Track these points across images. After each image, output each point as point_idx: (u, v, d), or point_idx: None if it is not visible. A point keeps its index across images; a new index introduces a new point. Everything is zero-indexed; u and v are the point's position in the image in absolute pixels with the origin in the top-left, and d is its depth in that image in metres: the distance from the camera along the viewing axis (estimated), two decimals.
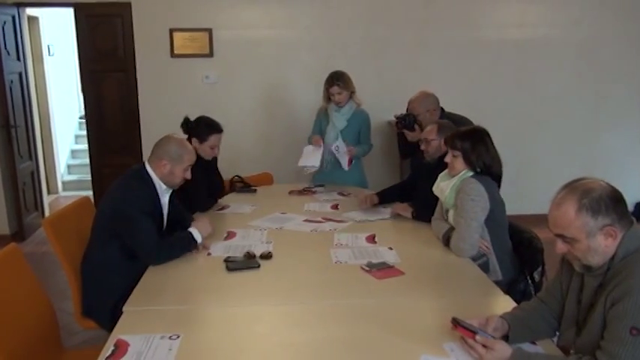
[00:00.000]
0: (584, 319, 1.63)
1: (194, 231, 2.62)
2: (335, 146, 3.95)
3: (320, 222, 3.11)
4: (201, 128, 3.41)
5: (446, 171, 2.73)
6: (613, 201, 1.55)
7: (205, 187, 3.42)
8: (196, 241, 2.61)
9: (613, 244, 1.56)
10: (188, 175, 2.70)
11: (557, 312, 1.79)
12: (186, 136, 3.45)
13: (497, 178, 2.65)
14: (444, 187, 2.68)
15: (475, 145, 2.59)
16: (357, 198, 3.50)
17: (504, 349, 1.60)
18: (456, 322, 1.68)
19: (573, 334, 1.67)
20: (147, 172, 2.63)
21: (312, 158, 3.98)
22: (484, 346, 1.61)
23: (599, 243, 1.56)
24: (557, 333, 1.80)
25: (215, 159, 3.62)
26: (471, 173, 2.59)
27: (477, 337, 1.63)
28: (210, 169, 3.54)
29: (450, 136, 2.71)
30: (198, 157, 3.40)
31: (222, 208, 3.48)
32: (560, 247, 1.63)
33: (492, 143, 2.65)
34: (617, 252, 1.56)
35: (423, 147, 3.18)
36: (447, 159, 2.67)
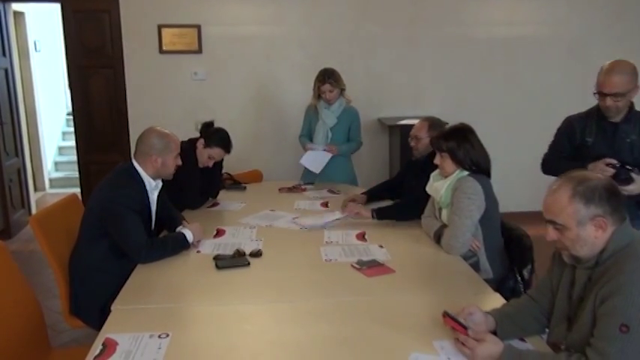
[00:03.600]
0: (575, 314, 1.64)
1: (187, 233, 2.61)
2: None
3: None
4: (215, 137, 3.40)
5: (438, 170, 2.73)
6: (608, 193, 1.56)
7: (198, 186, 3.40)
8: (189, 244, 2.60)
9: (602, 237, 1.57)
10: (179, 161, 2.71)
11: (547, 309, 1.80)
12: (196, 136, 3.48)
13: (487, 174, 2.65)
14: (438, 186, 2.68)
15: (460, 144, 2.59)
16: (345, 195, 3.49)
17: (496, 341, 1.61)
18: (447, 315, 1.68)
19: (564, 330, 1.68)
20: (135, 169, 2.61)
21: (315, 163, 3.99)
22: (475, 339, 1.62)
23: (589, 233, 1.57)
24: (547, 330, 1.81)
25: (221, 160, 3.60)
26: (467, 172, 2.59)
27: (470, 332, 1.63)
28: (211, 170, 3.51)
29: (434, 138, 2.72)
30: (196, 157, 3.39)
31: (212, 206, 3.46)
32: (551, 234, 1.64)
33: (477, 139, 2.66)
34: (607, 246, 1.57)
35: (412, 144, 3.20)
36: (436, 161, 2.67)
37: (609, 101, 2.65)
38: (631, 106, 2.73)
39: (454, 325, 1.67)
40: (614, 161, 2.63)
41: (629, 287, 1.47)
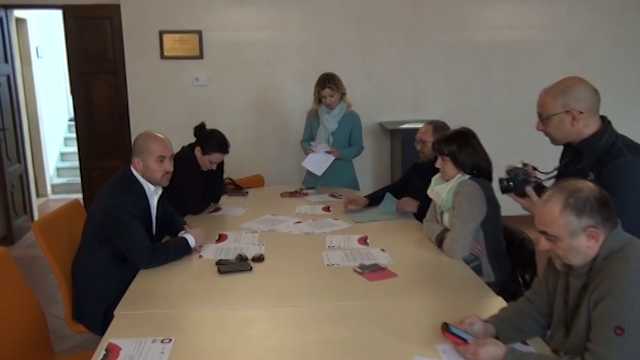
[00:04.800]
0: (572, 320, 1.64)
1: (190, 238, 2.61)
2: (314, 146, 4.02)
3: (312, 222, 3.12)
4: (210, 142, 3.39)
5: (439, 174, 2.73)
6: (599, 203, 1.56)
7: (200, 191, 3.41)
8: (191, 249, 2.60)
9: (594, 246, 1.57)
10: (168, 167, 2.62)
11: (544, 311, 1.80)
12: (194, 140, 3.46)
13: (488, 177, 2.66)
14: (439, 190, 2.68)
15: (462, 147, 2.60)
16: (345, 198, 3.50)
17: (498, 344, 1.61)
18: (447, 328, 1.68)
19: (562, 336, 1.68)
20: (133, 174, 2.61)
21: (317, 166, 3.99)
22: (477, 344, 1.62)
23: (581, 243, 1.57)
24: (548, 332, 1.81)
25: (222, 165, 3.61)
26: (468, 176, 2.59)
27: (469, 340, 1.64)
28: (213, 174, 3.52)
29: (436, 142, 2.73)
30: (197, 162, 3.40)
31: (214, 211, 3.47)
32: (543, 244, 1.64)
33: (479, 143, 2.66)
34: (600, 252, 1.57)
35: (418, 148, 3.21)
36: (438, 164, 2.68)
37: (539, 124, 2.27)
38: (594, 135, 2.13)
39: (453, 338, 1.67)
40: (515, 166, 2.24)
41: (619, 288, 1.47)
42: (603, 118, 2.18)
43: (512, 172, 2.22)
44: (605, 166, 2.02)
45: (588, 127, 2.13)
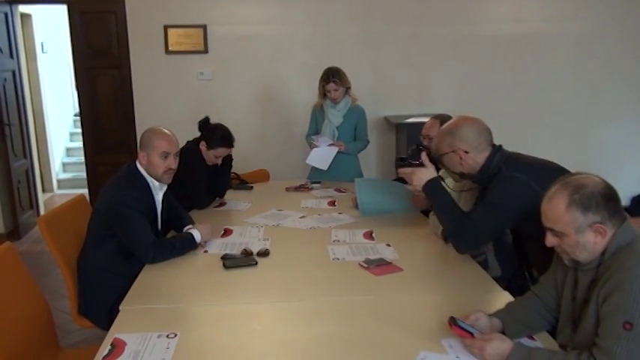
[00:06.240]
0: (580, 315, 1.63)
1: (195, 233, 2.61)
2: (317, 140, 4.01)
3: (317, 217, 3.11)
4: (215, 137, 3.39)
5: None
6: (605, 198, 1.55)
7: (205, 185, 3.40)
8: (197, 244, 2.59)
9: (602, 242, 1.57)
10: (172, 164, 2.61)
11: (552, 306, 1.80)
12: (199, 134, 3.46)
13: None
14: (447, 184, 2.66)
15: None
16: (352, 194, 3.48)
17: (504, 339, 1.60)
18: (454, 321, 1.68)
19: (570, 331, 1.67)
20: (138, 169, 2.61)
21: (322, 161, 3.98)
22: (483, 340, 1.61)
23: (588, 239, 1.56)
24: (554, 327, 1.80)
25: (230, 159, 3.60)
26: None
27: (476, 334, 1.63)
28: (220, 169, 3.51)
29: None
30: (202, 157, 3.40)
31: (219, 205, 3.47)
32: (550, 240, 1.64)
33: None
34: (609, 247, 1.57)
35: (425, 143, 3.19)
36: None
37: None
38: (481, 168, 2.27)
39: (460, 332, 1.66)
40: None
41: (629, 284, 1.46)
42: (493, 146, 2.30)
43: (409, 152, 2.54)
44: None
45: (478, 163, 2.28)
